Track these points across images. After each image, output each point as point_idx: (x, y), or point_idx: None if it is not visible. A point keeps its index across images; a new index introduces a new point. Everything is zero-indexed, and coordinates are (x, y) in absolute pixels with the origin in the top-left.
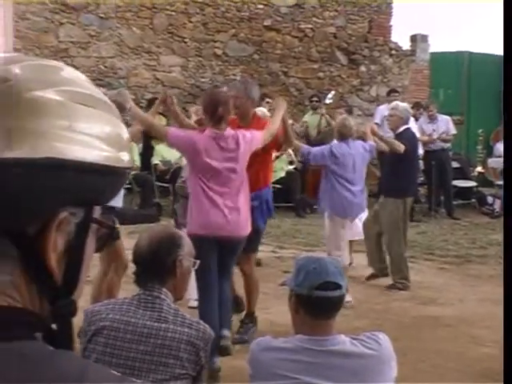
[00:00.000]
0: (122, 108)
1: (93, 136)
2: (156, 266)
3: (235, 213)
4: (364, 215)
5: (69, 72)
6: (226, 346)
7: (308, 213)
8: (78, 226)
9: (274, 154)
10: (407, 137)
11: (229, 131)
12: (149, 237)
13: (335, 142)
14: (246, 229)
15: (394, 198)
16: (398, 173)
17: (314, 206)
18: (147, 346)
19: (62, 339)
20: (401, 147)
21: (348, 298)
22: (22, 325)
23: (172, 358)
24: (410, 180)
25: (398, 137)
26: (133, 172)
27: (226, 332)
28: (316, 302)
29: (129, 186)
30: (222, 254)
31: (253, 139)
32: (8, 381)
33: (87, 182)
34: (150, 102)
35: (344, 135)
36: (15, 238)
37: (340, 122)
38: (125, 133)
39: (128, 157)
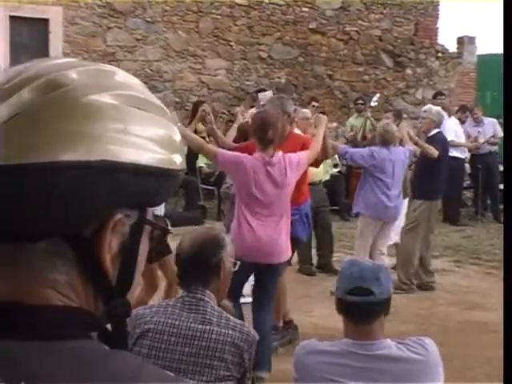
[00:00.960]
0: None
1: (146, 139)
2: (200, 267)
3: (275, 240)
4: (401, 221)
5: (123, 76)
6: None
7: (353, 216)
8: (132, 228)
9: None
10: (439, 140)
11: (277, 156)
12: (192, 238)
13: (376, 147)
14: (286, 254)
15: (424, 199)
16: (428, 175)
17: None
18: (192, 348)
19: (116, 339)
20: (434, 152)
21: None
22: (77, 324)
23: (216, 360)
24: (438, 182)
25: (430, 140)
26: None
27: (263, 374)
28: (348, 307)
29: None
30: (261, 278)
31: (299, 163)
32: (62, 380)
33: (141, 184)
34: (195, 105)
35: (386, 141)
36: (71, 240)
37: (382, 127)
38: (177, 135)
39: (180, 159)
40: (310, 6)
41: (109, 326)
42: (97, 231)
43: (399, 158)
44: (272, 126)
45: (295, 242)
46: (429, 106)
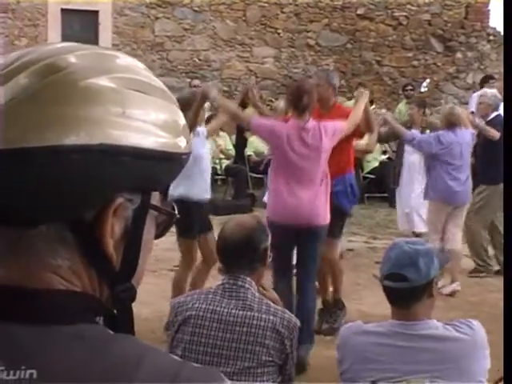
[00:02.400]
0: (204, 97)
1: (148, 122)
2: (249, 254)
3: (313, 203)
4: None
5: (125, 60)
6: (302, 363)
7: None
8: (135, 212)
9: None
10: (498, 123)
11: (311, 123)
12: (239, 225)
13: (442, 131)
14: (325, 218)
15: (488, 184)
16: (492, 159)
17: None
18: (233, 333)
19: (122, 324)
20: (496, 134)
21: (454, 286)
22: (80, 308)
23: (258, 346)
24: (500, 166)
25: (489, 124)
26: (226, 163)
27: (305, 348)
28: (386, 291)
29: (223, 176)
30: (301, 244)
31: (335, 131)
32: (64, 363)
33: (143, 168)
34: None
35: (452, 123)
36: (73, 224)
37: (448, 110)
38: (182, 119)
39: (185, 143)
40: None
41: (115, 311)
42: (98, 215)
43: (466, 140)
44: (307, 92)
45: (339, 213)
46: (484, 91)
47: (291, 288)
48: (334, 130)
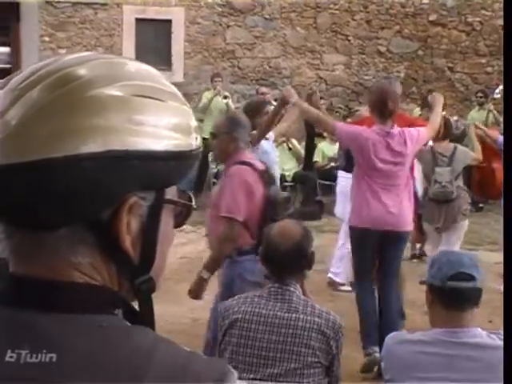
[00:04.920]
0: (285, 102)
1: (158, 126)
2: (299, 261)
3: (398, 208)
4: None
5: (134, 66)
6: (369, 363)
7: (473, 211)
8: (150, 209)
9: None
10: None
11: (396, 129)
12: (288, 232)
13: None
14: (409, 223)
15: None
16: None
17: (480, 205)
18: (279, 335)
19: (142, 315)
20: None
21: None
22: (100, 300)
23: (303, 347)
24: None
25: None
26: (295, 170)
27: (375, 348)
28: (449, 293)
29: (292, 183)
30: (385, 249)
31: (419, 138)
32: (84, 349)
33: (153, 168)
34: (309, 96)
35: None
36: (91, 225)
37: None
38: (193, 120)
39: (196, 140)
40: None
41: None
42: (114, 215)
43: None
44: (391, 98)
45: None
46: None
47: (373, 292)
48: (417, 136)
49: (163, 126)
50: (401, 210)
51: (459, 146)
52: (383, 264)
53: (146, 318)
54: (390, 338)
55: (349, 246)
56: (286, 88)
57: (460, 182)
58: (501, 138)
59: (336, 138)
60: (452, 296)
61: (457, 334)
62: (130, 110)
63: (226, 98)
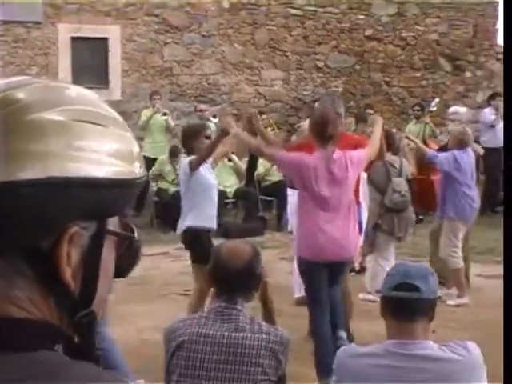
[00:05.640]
0: (226, 133)
1: (100, 152)
2: (248, 280)
3: (344, 236)
4: None
5: (74, 91)
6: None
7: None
8: (91, 239)
9: None
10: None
11: (337, 153)
12: (238, 252)
13: (455, 150)
14: (355, 250)
15: None
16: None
17: (420, 217)
18: (227, 355)
19: (83, 350)
20: (479, 149)
21: (462, 300)
22: (38, 336)
23: (253, 366)
24: None
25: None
26: (236, 186)
27: (341, 333)
28: (393, 303)
29: (233, 199)
30: (331, 273)
31: (360, 160)
32: None
33: (95, 196)
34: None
35: (465, 143)
36: (28, 256)
37: (459, 130)
38: (135, 146)
39: (139, 168)
40: (365, 13)
41: (76, 338)
42: (53, 245)
43: (472, 160)
44: (331, 121)
45: None
46: (455, 108)
47: (328, 318)
48: (358, 159)
49: (105, 152)
50: (346, 238)
51: (403, 159)
52: (328, 283)
53: (87, 352)
54: (342, 351)
55: None
56: (225, 119)
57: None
58: (430, 152)
59: (278, 167)
60: (396, 306)
61: (407, 345)
62: (70, 136)
63: (165, 114)
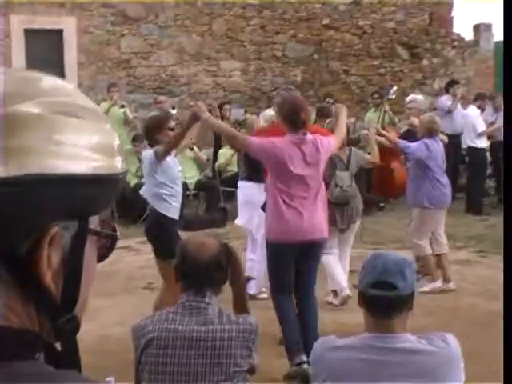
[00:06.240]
0: (196, 119)
1: (79, 147)
2: (217, 274)
3: (314, 216)
4: None
5: (50, 82)
6: (295, 373)
7: (374, 211)
8: (72, 240)
9: None
10: None
11: (309, 136)
12: (205, 246)
13: (425, 139)
14: (325, 231)
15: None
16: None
17: (381, 204)
18: (198, 349)
19: (66, 357)
20: (444, 138)
21: (424, 288)
22: (17, 345)
23: (225, 357)
24: None
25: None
26: (197, 178)
27: (303, 357)
28: (370, 301)
29: (194, 191)
30: (303, 259)
31: (329, 145)
32: None
33: (76, 194)
34: (219, 108)
35: (435, 131)
36: (6, 260)
37: (428, 119)
38: (116, 139)
39: (120, 162)
40: (322, 2)
41: (58, 345)
42: (32, 248)
43: (441, 147)
44: (303, 108)
45: None
46: (413, 96)
47: (293, 302)
48: (328, 143)
49: (84, 147)
50: (316, 218)
51: (353, 149)
52: (302, 274)
53: (70, 360)
54: (319, 343)
55: (256, 256)
56: (196, 104)
57: (354, 183)
58: (402, 142)
59: (251, 153)
60: (373, 304)
61: (384, 339)
62: (47, 129)
63: (123, 107)
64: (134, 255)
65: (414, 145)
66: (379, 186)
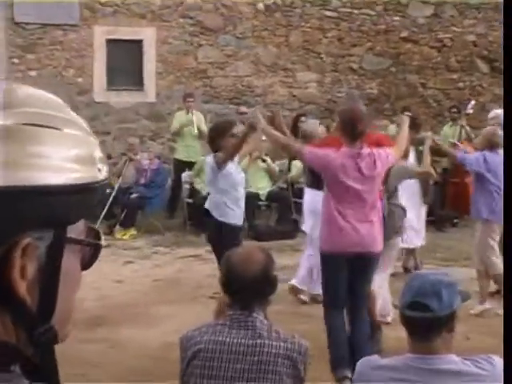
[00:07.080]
0: (253, 128)
1: (54, 158)
2: (264, 287)
3: (368, 229)
4: None
5: (26, 92)
6: None
7: (448, 227)
8: (48, 249)
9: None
10: None
11: (366, 149)
12: (252, 259)
13: (486, 151)
14: (379, 244)
15: None
16: None
17: (455, 220)
18: (244, 363)
19: (43, 369)
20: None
21: (486, 305)
22: None
23: (270, 373)
24: None
25: None
26: (269, 188)
27: (347, 371)
28: (408, 322)
29: (266, 202)
30: (356, 272)
31: (388, 158)
32: None
33: (51, 204)
34: (295, 119)
35: (497, 144)
36: None
37: (490, 131)
38: (97, 149)
39: (102, 171)
40: (401, 14)
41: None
42: (4, 259)
43: (502, 160)
44: (360, 120)
45: None
46: (495, 112)
47: (343, 316)
48: (386, 156)
49: (60, 158)
50: (370, 231)
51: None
52: (354, 287)
53: (47, 372)
54: (362, 362)
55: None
56: (253, 114)
57: (395, 200)
58: (460, 154)
59: (306, 162)
60: (411, 324)
61: (426, 360)
62: (21, 141)
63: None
64: (202, 264)
65: (471, 157)
66: (453, 202)
